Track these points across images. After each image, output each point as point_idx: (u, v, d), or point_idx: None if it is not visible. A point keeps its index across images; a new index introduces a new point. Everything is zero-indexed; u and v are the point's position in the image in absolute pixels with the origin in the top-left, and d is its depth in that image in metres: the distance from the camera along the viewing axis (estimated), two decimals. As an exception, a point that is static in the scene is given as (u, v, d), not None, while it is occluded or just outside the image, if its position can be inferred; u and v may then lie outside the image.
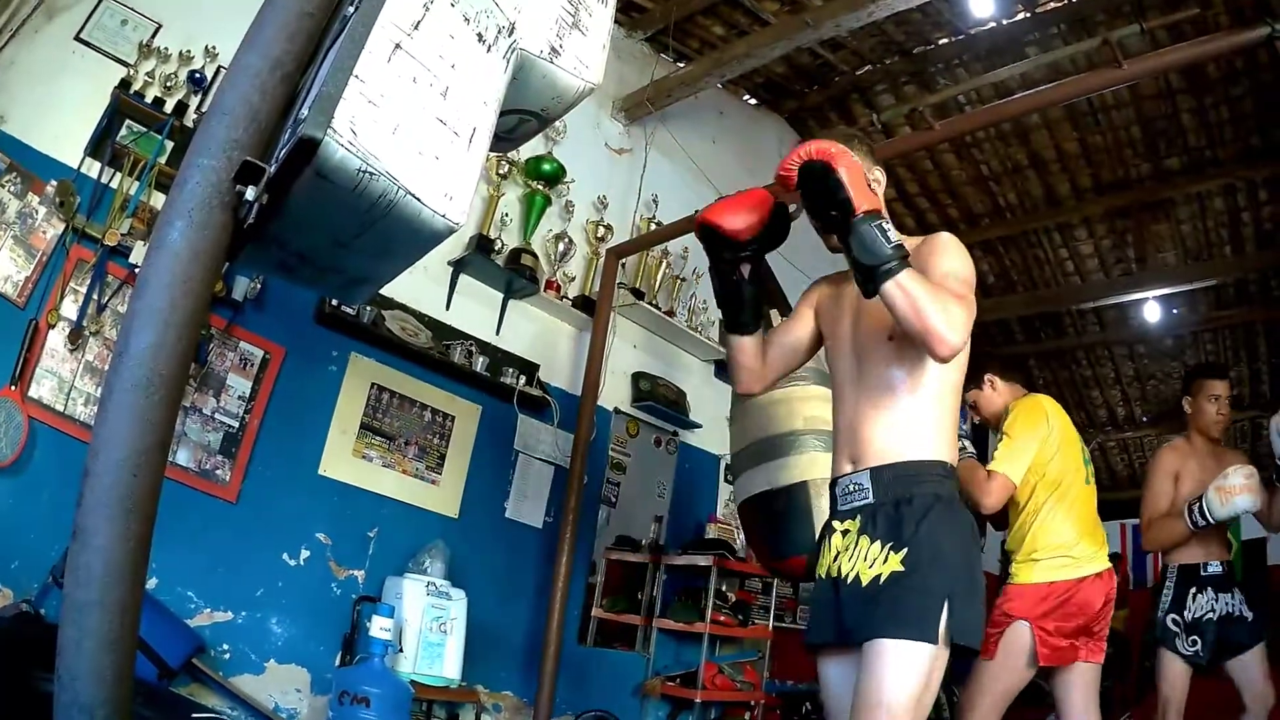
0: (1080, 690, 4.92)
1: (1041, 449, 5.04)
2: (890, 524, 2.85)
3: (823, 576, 3.07)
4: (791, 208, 3.11)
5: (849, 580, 2.88)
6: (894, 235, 2.68)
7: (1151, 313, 11.16)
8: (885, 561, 2.80)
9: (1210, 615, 5.66)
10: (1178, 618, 5.72)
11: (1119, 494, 14.96)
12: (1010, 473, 4.92)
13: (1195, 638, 5.66)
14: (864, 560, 2.86)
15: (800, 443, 5.61)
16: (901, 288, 2.64)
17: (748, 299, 3.30)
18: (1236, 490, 5.61)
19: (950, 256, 2.94)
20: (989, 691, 4.84)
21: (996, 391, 5.48)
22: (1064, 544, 4.91)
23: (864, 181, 2.73)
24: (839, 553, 2.98)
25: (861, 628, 2.78)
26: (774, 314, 5.34)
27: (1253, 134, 8.82)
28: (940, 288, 2.72)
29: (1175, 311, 11.47)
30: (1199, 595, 5.73)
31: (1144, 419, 13.94)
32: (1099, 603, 4.84)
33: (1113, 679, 11.13)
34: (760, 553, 5.95)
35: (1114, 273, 11.24)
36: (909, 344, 2.92)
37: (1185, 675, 5.69)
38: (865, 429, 3.03)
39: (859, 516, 2.96)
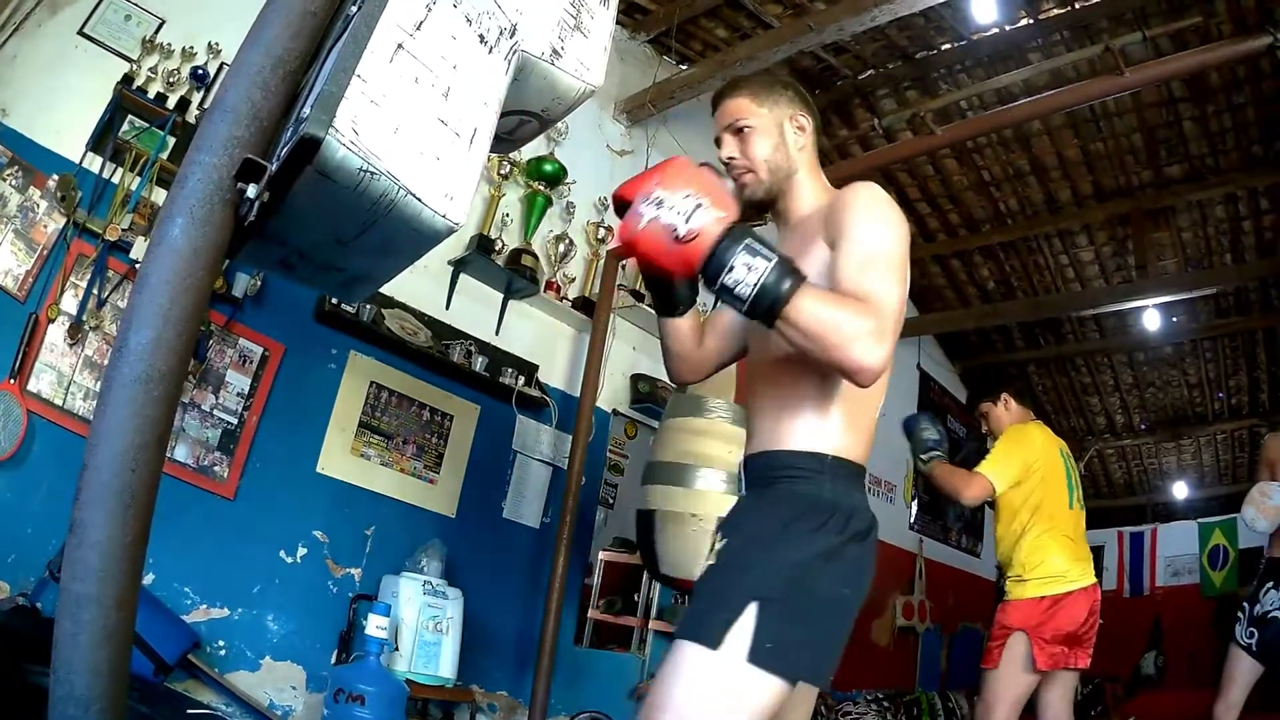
0: (1061, 694, 5.49)
1: (1025, 473, 5.54)
2: (732, 519, 2.60)
3: None
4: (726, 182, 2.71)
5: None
6: (749, 273, 2.15)
7: (1151, 320, 11.17)
8: (708, 554, 2.53)
9: (1276, 613, 5.74)
10: (1247, 605, 5.83)
11: (1116, 501, 15.02)
12: (992, 477, 5.44)
13: (1254, 629, 5.74)
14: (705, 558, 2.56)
15: (663, 474, 5.72)
16: (791, 325, 2.18)
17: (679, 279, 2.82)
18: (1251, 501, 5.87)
19: (865, 224, 2.45)
20: (1002, 699, 5.36)
21: (1009, 411, 5.86)
22: (1050, 563, 5.42)
23: (669, 240, 2.21)
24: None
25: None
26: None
27: (1254, 142, 8.83)
28: (844, 301, 2.23)
29: (1175, 319, 11.48)
30: (1272, 591, 5.79)
31: (1142, 426, 13.95)
32: (1084, 614, 5.35)
33: (1100, 680, 11.21)
34: (641, 557, 6.19)
35: (1114, 280, 11.25)
36: None
37: (1243, 664, 5.80)
38: (754, 414, 2.73)
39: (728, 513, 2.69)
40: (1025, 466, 5.51)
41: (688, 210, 2.20)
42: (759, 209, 2.88)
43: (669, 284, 2.91)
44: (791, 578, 2.32)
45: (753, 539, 2.44)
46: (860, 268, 2.35)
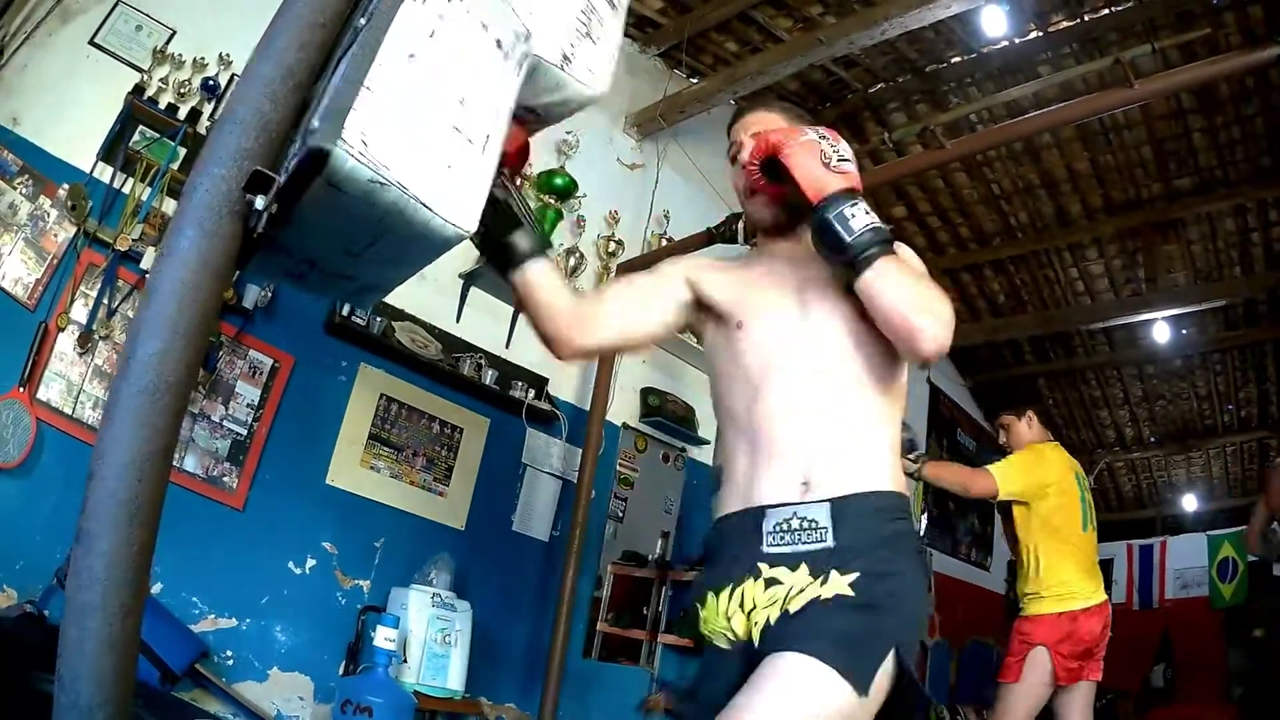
0: (1080, 706, 5.59)
1: (1038, 491, 5.72)
2: (838, 557, 2.27)
3: (715, 644, 2.45)
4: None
5: (762, 634, 2.29)
6: (866, 217, 2.30)
7: (1161, 333, 11.16)
8: (823, 584, 2.22)
9: None
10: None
11: (1125, 514, 15.01)
12: (999, 477, 5.65)
13: None
14: (773, 601, 2.28)
15: None
16: (881, 275, 2.27)
17: (520, 212, 2.61)
18: None
19: (909, 256, 2.55)
20: (1015, 712, 5.51)
21: (1030, 429, 5.96)
22: (1065, 582, 5.59)
23: (819, 161, 2.35)
24: (754, 607, 2.33)
25: (771, 643, 2.21)
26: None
27: (1264, 154, 8.82)
28: (924, 279, 2.37)
29: (1184, 332, 11.47)
30: None
31: (1152, 440, 13.94)
32: (1099, 628, 5.55)
33: (1113, 696, 11.19)
34: None
35: (1124, 293, 11.24)
36: (872, 341, 2.45)
37: None
38: (808, 440, 2.41)
39: (805, 563, 2.29)
40: (1039, 485, 5.61)
41: (842, 152, 2.40)
42: (771, 230, 2.83)
43: (511, 223, 2.59)
44: (916, 618, 2.36)
45: (891, 581, 2.25)
46: (919, 276, 2.42)
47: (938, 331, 2.27)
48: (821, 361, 2.48)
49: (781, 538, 2.33)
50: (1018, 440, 6.01)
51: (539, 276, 2.68)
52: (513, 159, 2.51)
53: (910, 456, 5.64)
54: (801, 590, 2.25)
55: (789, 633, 2.18)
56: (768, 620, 2.27)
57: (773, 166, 2.47)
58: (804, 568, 2.28)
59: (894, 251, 2.33)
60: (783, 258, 2.75)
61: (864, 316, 2.42)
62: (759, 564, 2.35)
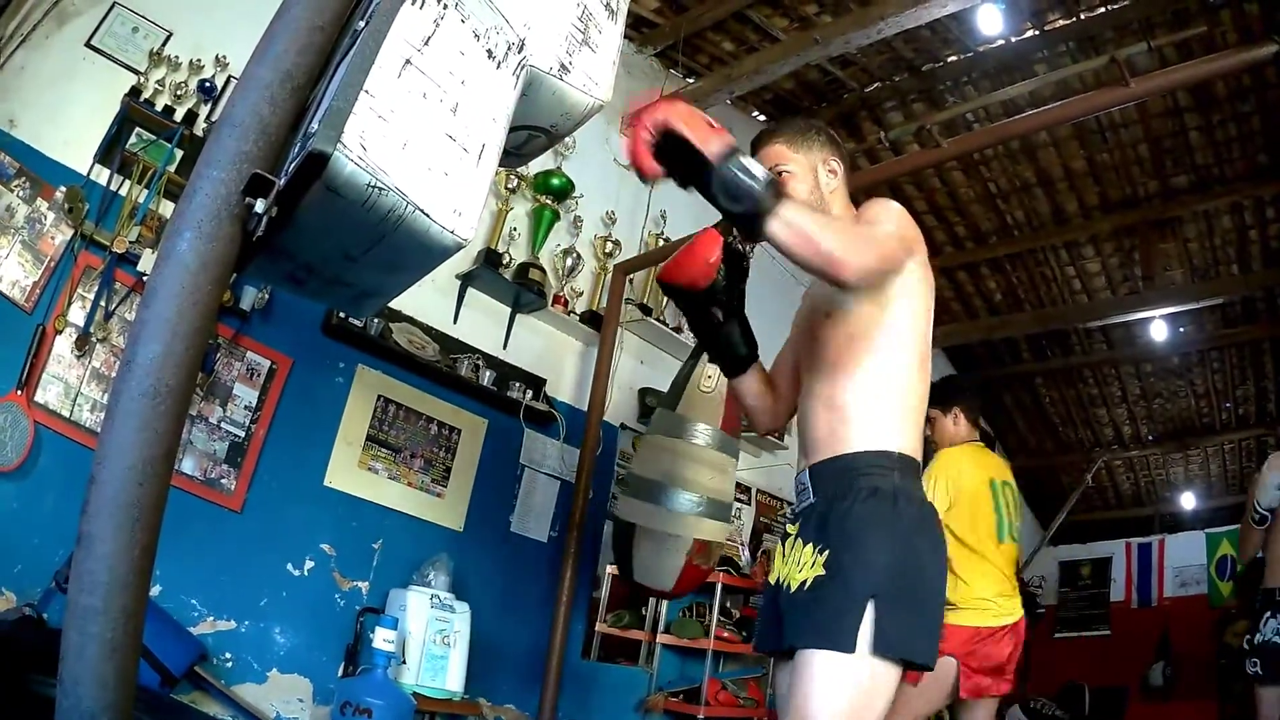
0: (985, 715, 5.54)
1: (946, 501, 5.50)
2: (820, 523, 2.71)
3: (769, 582, 2.96)
4: (732, 238, 2.97)
5: (785, 587, 2.76)
6: (760, 171, 2.46)
7: (1158, 331, 11.14)
8: (812, 566, 2.65)
9: (1277, 639, 5.69)
10: (1250, 638, 5.79)
11: (1124, 512, 14.99)
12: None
13: (1256, 658, 5.70)
14: (797, 565, 2.73)
15: (648, 490, 5.75)
16: (782, 221, 2.44)
17: (733, 337, 3.15)
18: (1265, 474, 5.80)
19: (872, 215, 2.83)
20: (903, 714, 5.21)
21: (956, 426, 5.77)
22: (982, 597, 5.42)
23: (704, 125, 2.49)
24: (782, 557, 2.88)
25: (789, 636, 2.65)
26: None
27: (1260, 151, 8.81)
28: (832, 217, 2.68)
29: (1182, 330, 11.45)
30: (1272, 620, 5.75)
31: (1150, 438, 13.92)
32: (1009, 648, 5.40)
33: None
34: (615, 560, 6.32)
35: (1121, 291, 11.23)
36: (844, 320, 2.85)
37: (1267, 695, 5.73)
38: (810, 421, 2.92)
39: (801, 520, 2.85)
40: (945, 495, 5.45)
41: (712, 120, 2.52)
42: None
43: (727, 345, 3.17)
44: (893, 570, 2.54)
45: (851, 543, 2.59)
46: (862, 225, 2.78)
47: (846, 256, 2.45)
48: (824, 362, 2.90)
49: (797, 502, 2.91)
50: (941, 437, 5.80)
51: (754, 385, 3.27)
52: (710, 268, 2.88)
53: None
54: (801, 569, 2.69)
55: (795, 619, 2.65)
56: (786, 581, 2.76)
57: (666, 145, 2.52)
58: (800, 530, 2.82)
59: (788, 197, 2.50)
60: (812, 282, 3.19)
61: (854, 320, 2.83)
62: (786, 525, 3.02)
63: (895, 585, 2.52)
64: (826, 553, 2.61)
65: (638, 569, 5.86)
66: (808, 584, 2.63)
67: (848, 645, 2.44)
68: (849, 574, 2.53)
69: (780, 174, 2.96)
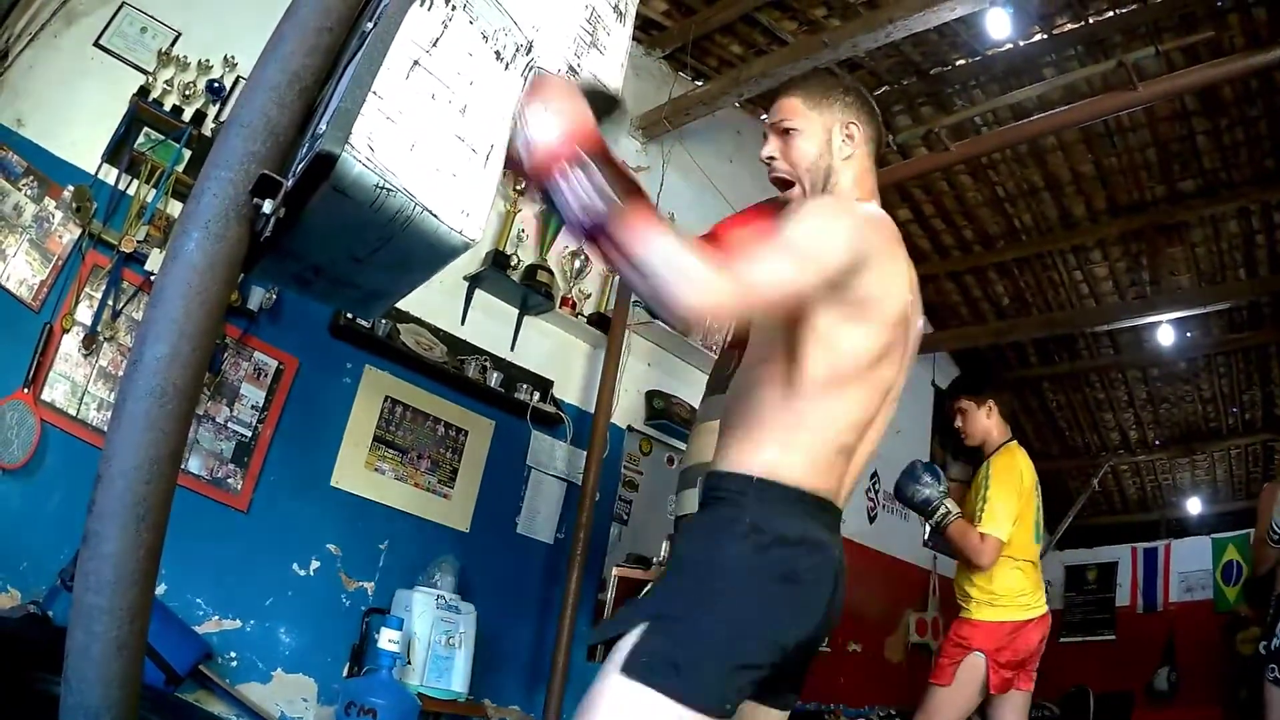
0: (1014, 716, 5.47)
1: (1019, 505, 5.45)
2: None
3: None
4: None
5: None
6: (597, 182, 1.95)
7: (1165, 336, 11.10)
8: None
9: None
10: (1267, 644, 5.77)
11: (1130, 517, 14.96)
12: (999, 533, 5.33)
13: (1274, 665, 5.70)
14: None
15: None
16: (609, 240, 1.98)
17: None
18: None
19: (795, 221, 2.28)
20: (942, 715, 5.40)
21: (990, 419, 5.71)
22: (1019, 590, 5.43)
23: (525, 149, 2.06)
24: None
25: None
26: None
27: (1268, 156, 8.79)
28: (686, 243, 1.99)
29: (1189, 335, 11.43)
30: None
31: (1156, 443, 13.89)
32: (1036, 640, 5.42)
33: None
34: None
35: (1128, 295, 11.21)
36: (768, 343, 2.46)
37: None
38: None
39: None
40: (1019, 495, 5.43)
41: (540, 114, 2.06)
42: None
43: None
44: (690, 594, 2.26)
45: (671, 567, 2.43)
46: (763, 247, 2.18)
47: (674, 293, 1.95)
48: (744, 364, 2.60)
49: None
50: (973, 429, 5.69)
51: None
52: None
53: (935, 523, 5.40)
54: None
55: None
56: None
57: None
58: None
59: (622, 204, 1.96)
60: None
61: (766, 325, 2.51)
62: None
63: (682, 611, 2.23)
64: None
65: None
66: None
67: (611, 664, 2.23)
68: (649, 591, 2.34)
69: (787, 130, 2.74)
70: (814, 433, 2.39)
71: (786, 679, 2.43)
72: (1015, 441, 5.75)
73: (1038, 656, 5.46)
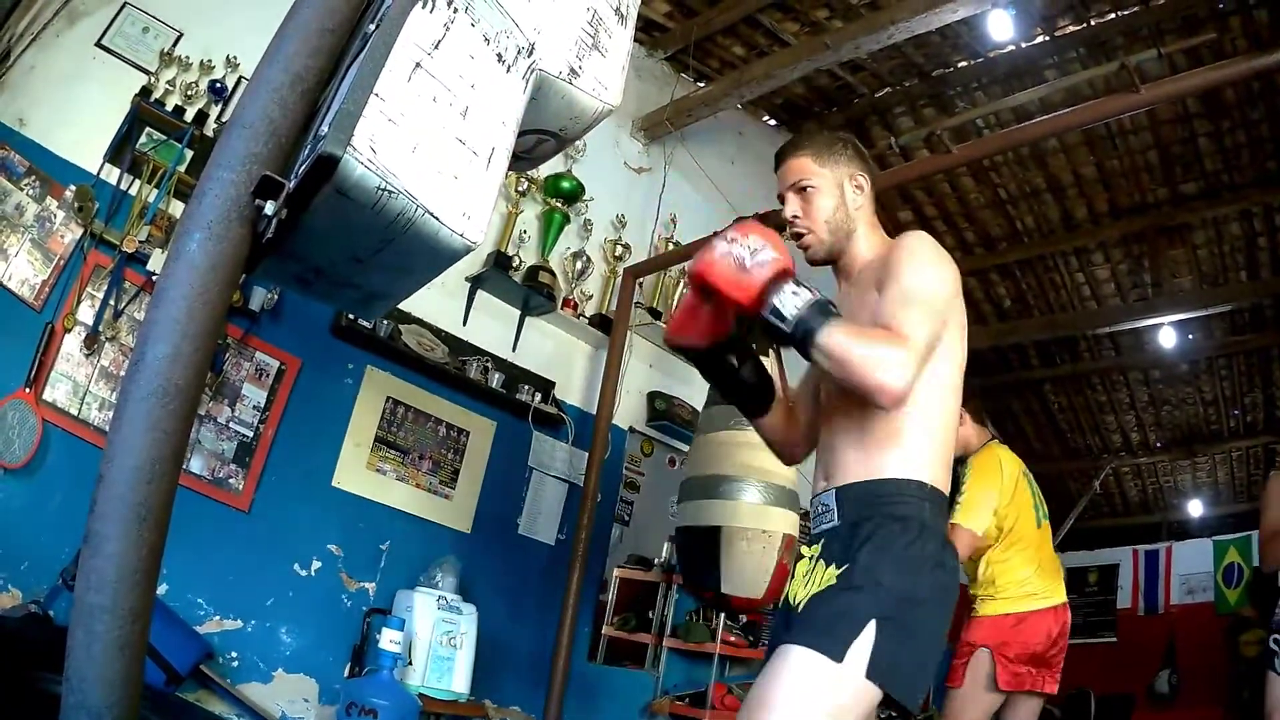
0: (1026, 717, 5.39)
1: (999, 503, 5.43)
2: (842, 545, 2.59)
3: (784, 601, 2.81)
4: None
5: (797, 606, 2.62)
6: (794, 300, 2.39)
7: (1167, 338, 11.09)
8: (824, 580, 2.55)
9: None
10: (1278, 637, 5.73)
11: (1131, 519, 14.95)
12: (972, 525, 5.30)
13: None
14: (816, 584, 2.58)
15: (726, 489, 5.72)
16: (822, 352, 2.37)
17: (749, 382, 3.00)
18: None
19: (911, 266, 2.63)
20: (962, 718, 5.30)
21: (964, 427, 5.72)
22: (1021, 580, 5.41)
23: (736, 269, 2.45)
24: (800, 578, 2.71)
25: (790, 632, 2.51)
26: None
27: (1269, 158, 8.80)
28: (870, 332, 2.45)
29: (1190, 337, 11.42)
30: None
31: (1158, 445, 13.88)
32: (1054, 631, 5.35)
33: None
34: (684, 576, 6.48)
35: (1130, 298, 11.20)
36: None
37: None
38: (837, 443, 2.77)
39: (823, 541, 2.69)
40: (998, 492, 5.44)
41: (756, 247, 2.43)
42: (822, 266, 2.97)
43: (743, 390, 3.02)
44: (904, 599, 2.43)
45: (868, 561, 2.49)
46: (897, 304, 2.51)
47: (880, 380, 2.35)
48: (841, 390, 2.71)
49: (815, 522, 2.75)
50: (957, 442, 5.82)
51: (775, 422, 3.13)
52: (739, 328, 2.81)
53: None
54: (815, 584, 2.57)
55: (794, 626, 2.51)
56: (798, 601, 2.62)
57: (705, 289, 2.55)
58: (821, 552, 2.66)
59: (827, 318, 2.38)
60: (840, 297, 2.97)
61: None
62: (800, 546, 2.95)
63: (901, 613, 2.42)
64: (845, 566, 2.51)
65: (728, 578, 5.82)
66: (816, 595, 2.54)
67: (836, 653, 2.33)
68: (859, 589, 2.44)
69: (805, 189, 2.89)
70: (946, 443, 2.72)
71: None
72: (995, 441, 5.79)
73: (1060, 653, 5.41)
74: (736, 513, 5.83)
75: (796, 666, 2.36)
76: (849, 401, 2.71)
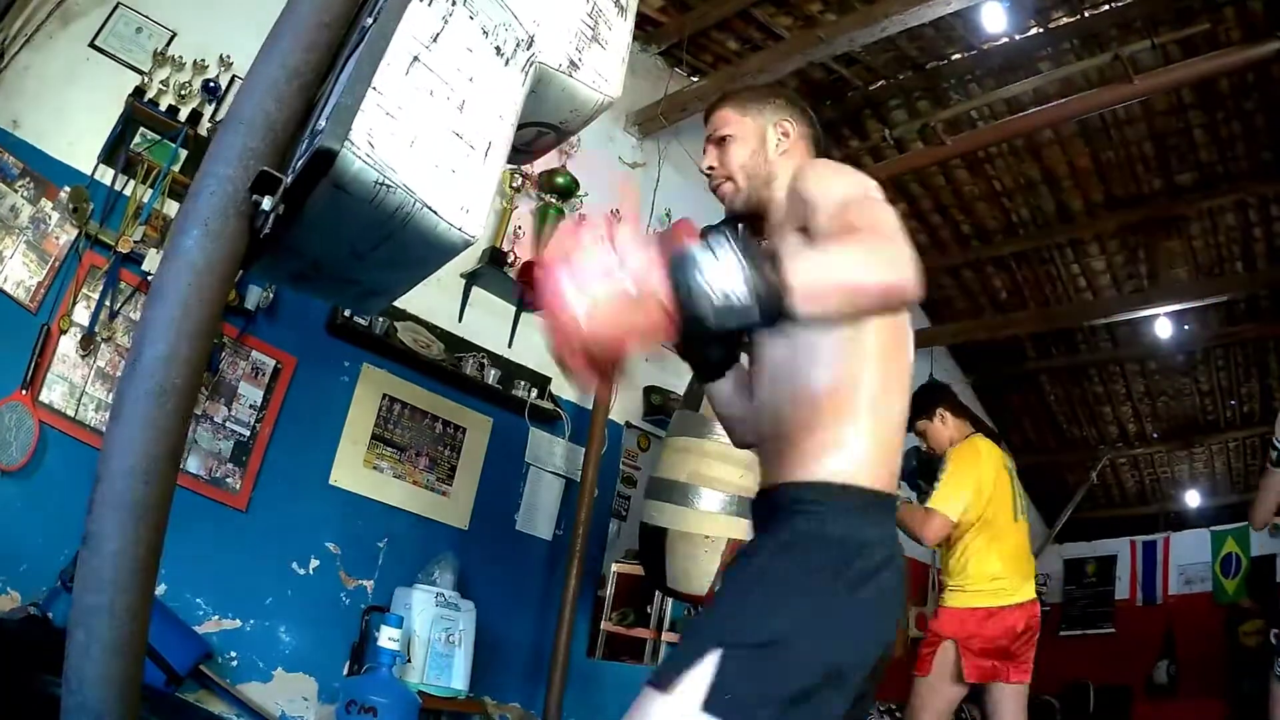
0: (1009, 709, 5.45)
1: (977, 492, 5.52)
2: (733, 560, 2.32)
3: None
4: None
5: None
6: (720, 265, 1.62)
7: (1163, 329, 11.08)
8: None
9: None
10: (1275, 640, 5.70)
11: (1128, 510, 14.95)
12: (948, 511, 5.41)
13: None
14: None
15: (677, 494, 5.77)
16: (808, 296, 1.67)
17: (708, 344, 2.69)
18: None
19: (822, 184, 2.29)
20: (928, 707, 5.45)
21: (946, 426, 5.85)
22: (992, 574, 5.48)
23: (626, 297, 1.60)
24: None
25: None
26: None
27: (1265, 149, 8.79)
28: (833, 242, 2.01)
29: (1187, 328, 11.41)
30: None
31: (1155, 436, 13.87)
32: (1020, 626, 5.38)
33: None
34: (643, 568, 6.53)
35: (1126, 289, 11.20)
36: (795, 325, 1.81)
37: None
38: (761, 445, 2.53)
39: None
40: (976, 486, 5.48)
41: (607, 255, 1.63)
42: (749, 223, 2.75)
43: (701, 348, 2.72)
44: (771, 624, 2.07)
45: (738, 582, 2.24)
46: (836, 217, 2.12)
47: (892, 277, 1.81)
48: (772, 370, 2.49)
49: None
50: (938, 441, 5.83)
51: (728, 391, 2.79)
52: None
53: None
54: None
55: None
56: None
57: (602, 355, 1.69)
58: None
59: (771, 256, 1.69)
60: None
61: (809, 326, 2.05)
62: None
63: (762, 642, 2.04)
64: (720, 585, 2.28)
65: (671, 575, 5.88)
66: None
67: (666, 685, 2.03)
68: (708, 613, 2.25)
69: (724, 139, 2.74)
70: (885, 434, 2.33)
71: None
72: (979, 434, 5.86)
73: (1027, 645, 5.44)
74: (684, 518, 5.87)
75: (637, 706, 2.09)
76: (773, 389, 2.46)
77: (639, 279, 1.60)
